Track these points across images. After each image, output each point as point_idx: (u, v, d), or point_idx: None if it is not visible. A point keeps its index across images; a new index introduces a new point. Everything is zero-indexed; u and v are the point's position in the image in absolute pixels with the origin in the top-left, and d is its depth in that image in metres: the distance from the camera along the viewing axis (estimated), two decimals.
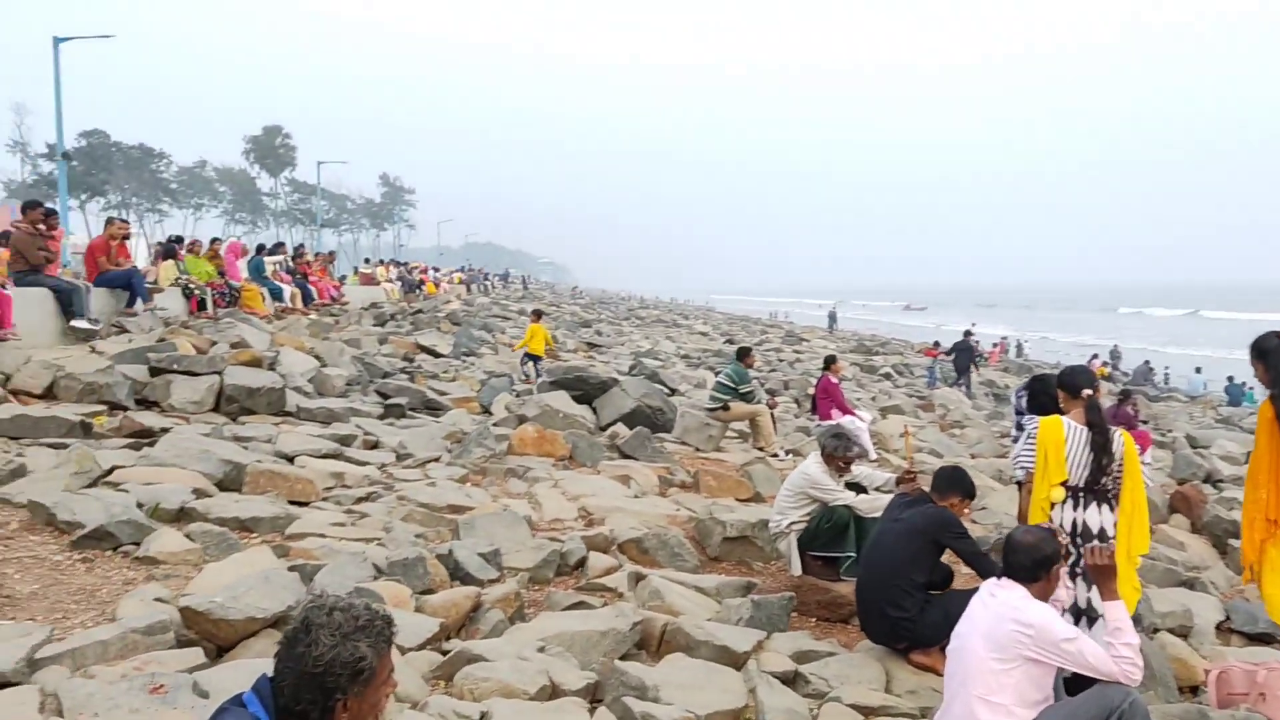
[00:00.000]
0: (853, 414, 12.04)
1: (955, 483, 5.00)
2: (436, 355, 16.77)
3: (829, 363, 12.83)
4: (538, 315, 17.99)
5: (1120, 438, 4.61)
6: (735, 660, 4.66)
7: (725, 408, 11.29)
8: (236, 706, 2.10)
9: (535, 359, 16.04)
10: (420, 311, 24.90)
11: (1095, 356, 36.08)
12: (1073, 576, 4.55)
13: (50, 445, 7.12)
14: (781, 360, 26.55)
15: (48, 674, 3.71)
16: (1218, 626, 6.45)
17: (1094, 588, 4.41)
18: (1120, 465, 4.58)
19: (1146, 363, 34.03)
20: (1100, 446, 4.55)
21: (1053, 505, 4.56)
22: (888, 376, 25.07)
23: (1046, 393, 5.90)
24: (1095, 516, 4.52)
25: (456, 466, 8.32)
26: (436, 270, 46.83)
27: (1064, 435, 4.56)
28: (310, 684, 2.06)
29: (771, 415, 11.61)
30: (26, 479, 6.19)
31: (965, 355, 23.66)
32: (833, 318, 56.38)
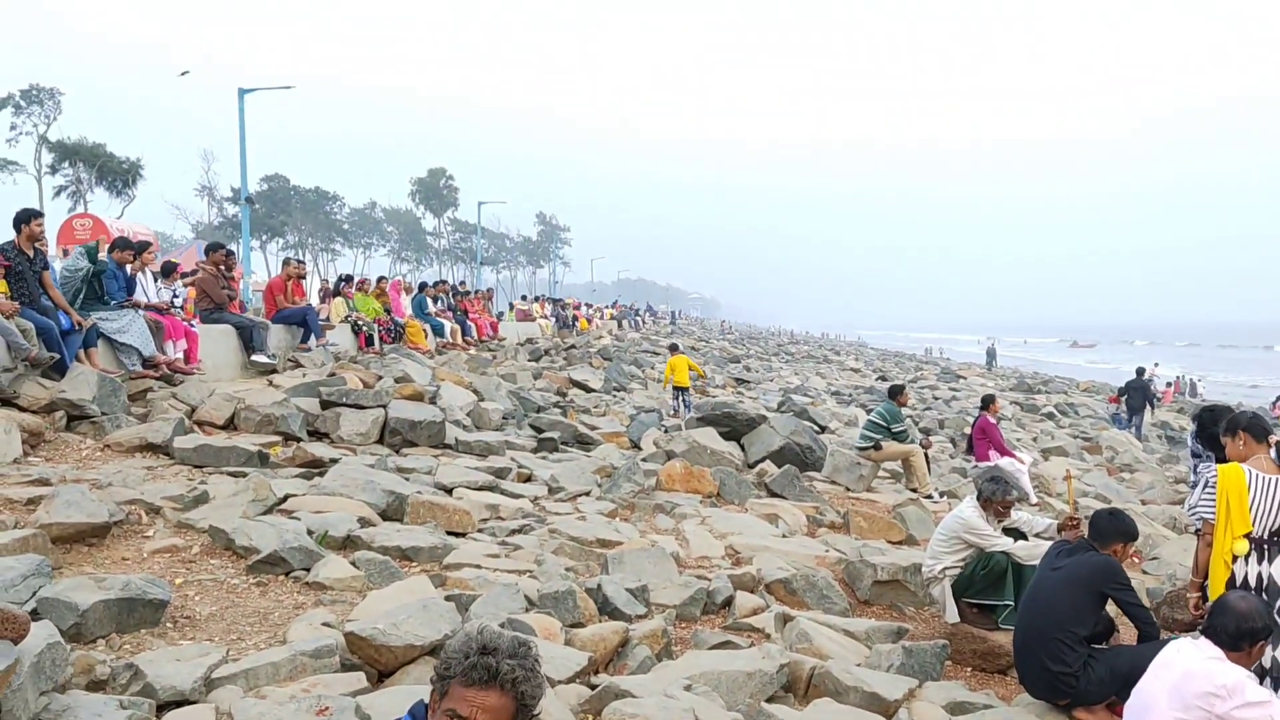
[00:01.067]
0: (1012, 455, 11.61)
1: (1116, 526, 4.77)
2: (588, 390, 17.09)
3: (987, 402, 12.42)
4: (674, 348, 18.18)
5: None
6: (886, 708, 4.54)
7: (877, 447, 11.07)
8: None
9: (683, 391, 16.12)
10: (573, 347, 25.44)
11: (1278, 400, 33.58)
12: None
13: (230, 474, 7.59)
14: (937, 398, 25.85)
15: (223, 693, 3.94)
16: None
17: None
18: None
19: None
20: None
21: (1235, 559, 4.28)
22: (1050, 416, 24.03)
23: (1217, 423, 5.54)
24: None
25: (606, 501, 8.45)
26: (589, 306, 47.71)
27: (1246, 483, 4.28)
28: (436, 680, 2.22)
29: (925, 455, 11.31)
30: (209, 505, 6.62)
31: (1139, 395, 22.43)
32: (991, 354, 54.53)
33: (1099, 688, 4.47)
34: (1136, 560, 8.58)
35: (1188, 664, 3.61)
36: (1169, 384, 34.39)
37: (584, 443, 11.58)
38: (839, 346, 73.62)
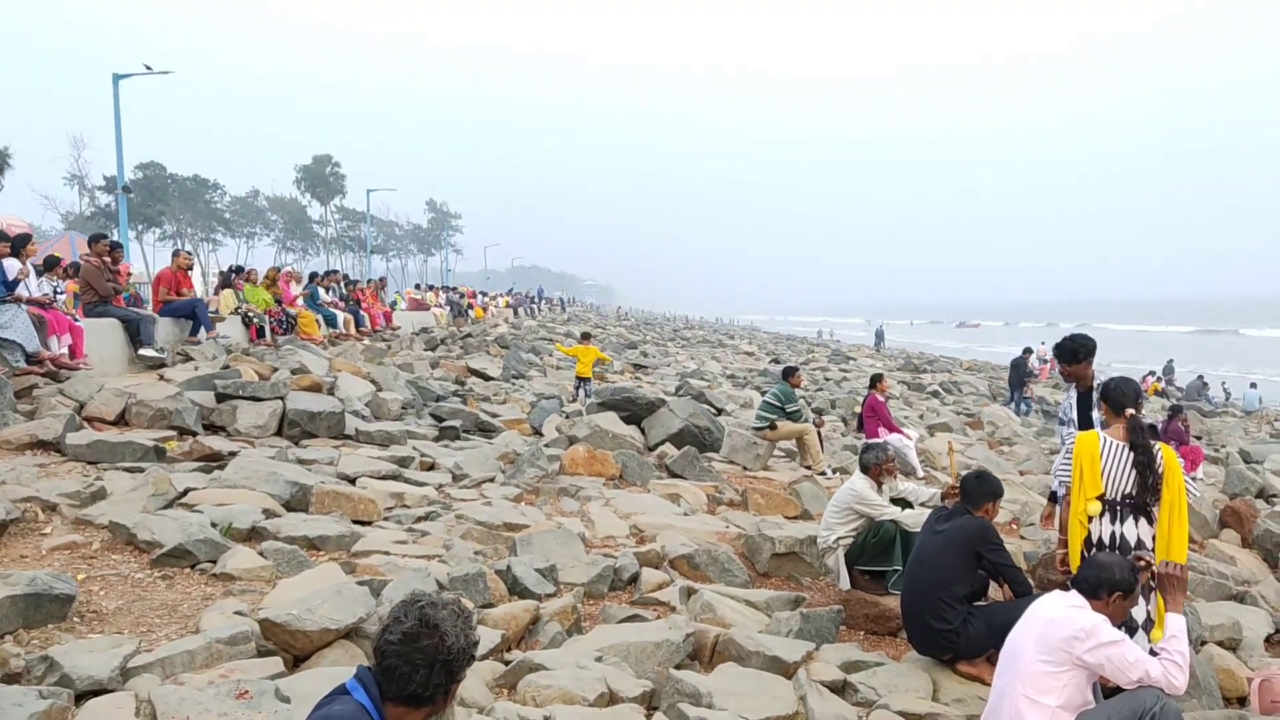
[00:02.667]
0: (899, 432, 12.11)
1: (984, 488, 5.12)
2: (487, 378, 17.10)
3: (875, 381, 12.92)
4: (586, 337, 18.37)
5: (1161, 453, 4.68)
6: (786, 670, 4.81)
7: (772, 427, 11.43)
8: (343, 695, 2.35)
9: (585, 381, 16.30)
10: (469, 336, 25.32)
11: (1151, 373, 35.57)
12: None
13: (126, 469, 7.46)
14: (828, 379, 26.56)
15: (140, 681, 3.96)
16: (1267, 639, 6.43)
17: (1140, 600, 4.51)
18: (1162, 481, 4.65)
19: (1200, 378, 33.50)
20: (1143, 465, 4.60)
21: (1090, 519, 4.64)
22: (936, 394, 24.96)
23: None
24: (1133, 530, 4.59)
25: (511, 486, 8.57)
26: (484, 294, 47.42)
27: (1099, 449, 4.64)
28: (442, 671, 2.40)
29: (818, 434, 11.73)
30: (106, 501, 6.52)
31: (1018, 372, 23.52)
32: (880, 336, 56.18)
33: (978, 642, 4.82)
34: (1015, 527, 9.13)
35: (1051, 612, 3.92)
36: (1045, 361, 36.07)
37: (486, 430, 11.65)
38: (733, 331, 74.75)
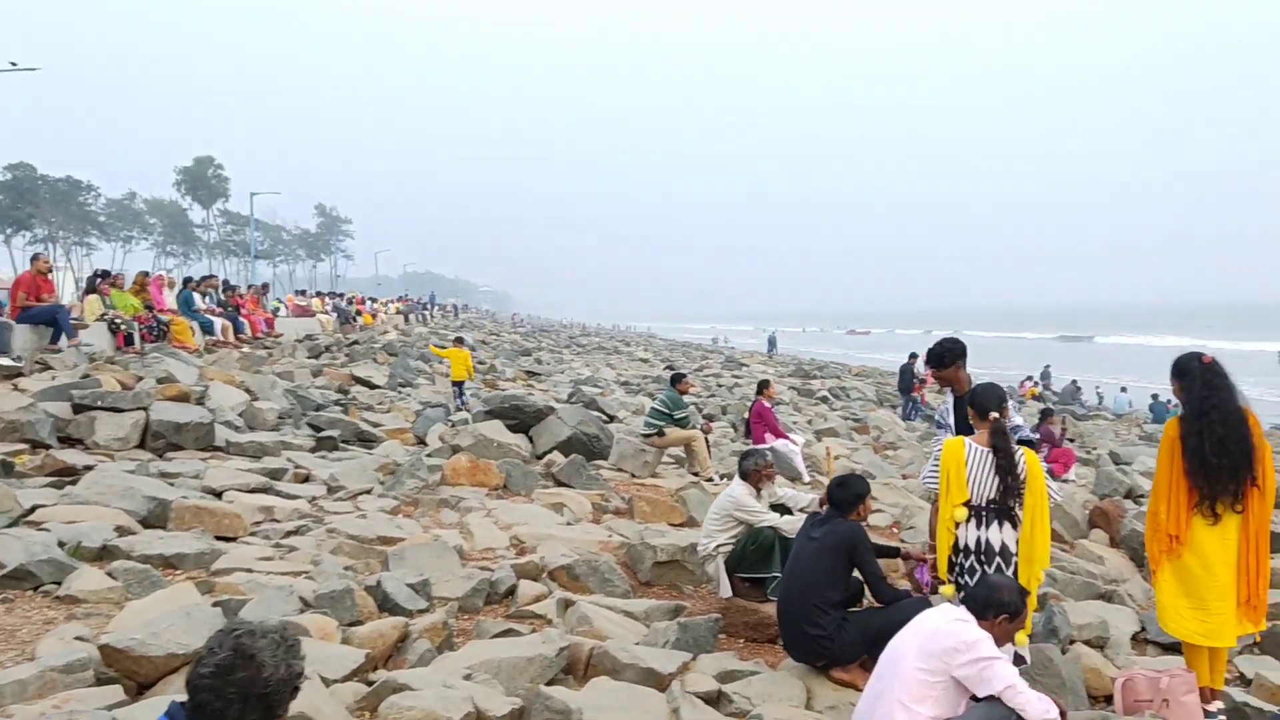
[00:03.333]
0: (786, 437, 12.21)
1: (847, 494, 5.13)
2: (372, 386, 16.67)
3: (762, 387, 13.02)
4: (459, 341, 18.33)
5: (1024, 458, 4.78)
6: (660, 682, 4.73)
7: (660, 433, 11.39)
8: None
9: (461, 385, 16.18)
10: (356, 343, 24.70)
11: (1029, 378, 36.92)
12: (960, 591, 4.67)
13: None
14: (720, 385, 26.77)
15: None
16: (1133, 637, 6.58)
17: None
18: (1024, 485, 4.73)
19: (1074, 382, 34.91)
20: (1005, 468, 4.67)
21: (957, 524, 4.69)
22: (825, 400, 25.39)
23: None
24: (997, 535, 4.65)
25: (388, 498, 8.32)
26: (373, 301, 46.42)
27: (965, 456, 4.70)
28: (259, 705, 2.24)
29: (706, 440, 11.74)
30: None
31: (906, 378, 24.05)
32: (772, 342, 57.05)
33: (851, 648, 4.82)
34: (896, 530, 9.26)
35: (938, 622, 3.94)
36: (1027, 379, 37.62)
37: (366, 440, 11.32)
38: (629, 338, 74.94)
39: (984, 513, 4.67)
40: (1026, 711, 3.68)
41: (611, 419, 15.41)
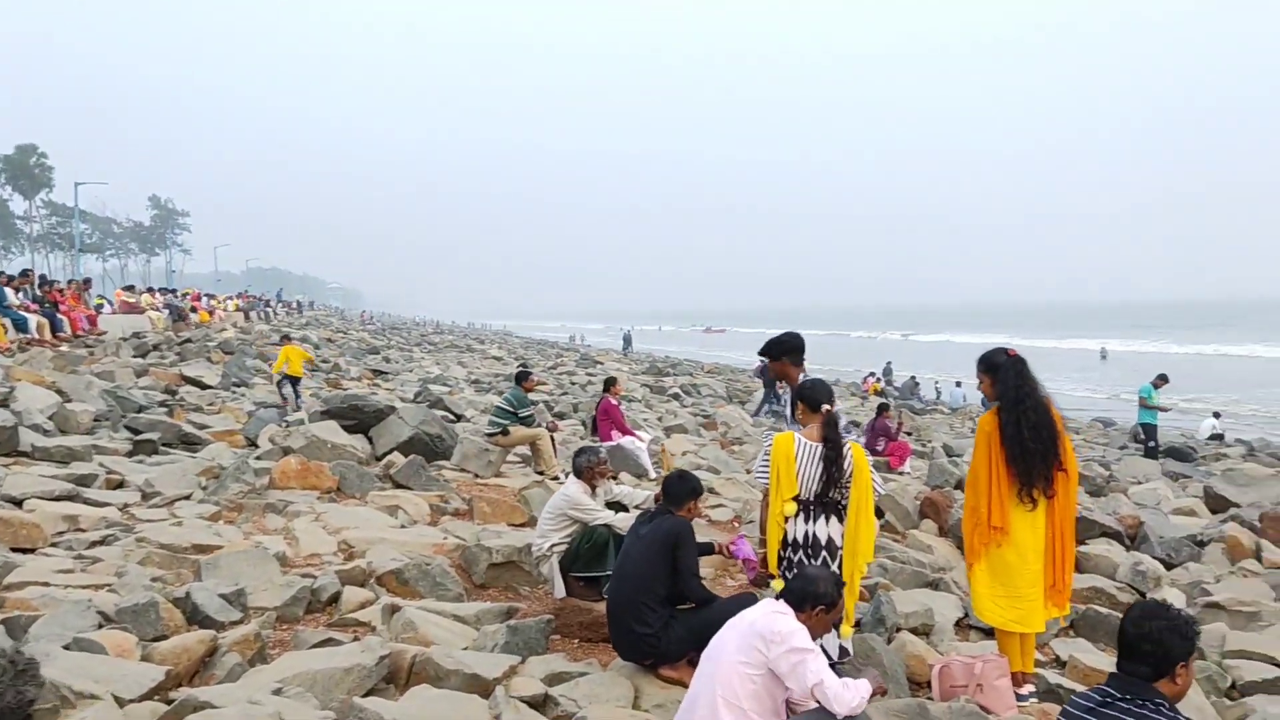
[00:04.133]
0: (632, 434, 12.21)
1: (683, 487, 5.12)
2: (203, 387, 15.86)
3: (609, 384, 12.98)
4: (285, 339, 17.93)
5: (850, 451, 4.84)
6: (484, 687, 4.58)
7: (505, 432, 11.20)
8: None
9: (294, 381, 15.61)
10: (189, 341, 23.49)
11: (872, 374, 38.25)
12: None
13: None
14: (574, 383, 26.69)
15: None
16: (957, 623, 6.80)
17: None
18: (849, 478, 4.79)
19: (913, 378, 36.39)
20: (831, 460, 4.73)
21: (786, 519, 4.71)
22: (676, 397, 25.62)
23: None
24: (824, 528, 4.70)
25: (209, 503, 7.87)
26: (211, 298, 44.33)
27: (794, 451, 4.73)
28: None
29: (552, 439, 11.62)
30: None
31: (767, 374, 24.46)
32: (627, 340, 57.34)
33: (678, 646, 4.79)
34: (736, 525, 9.35)
35: (756, 616, 3.93)
36: (870, 375, 38.65)
37: (190, 443, 10.72)
38: (484, 336, 74.09)
39: (812, 507, 4.70)
40: (835, 706, 3.70)
41: (459, 418, 15.13)
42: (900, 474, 14.28)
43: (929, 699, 5.02)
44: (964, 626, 6.84)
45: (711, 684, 3.84)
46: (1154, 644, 3.02)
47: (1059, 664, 6.09)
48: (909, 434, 20.89)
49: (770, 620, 3.86)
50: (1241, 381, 44.42)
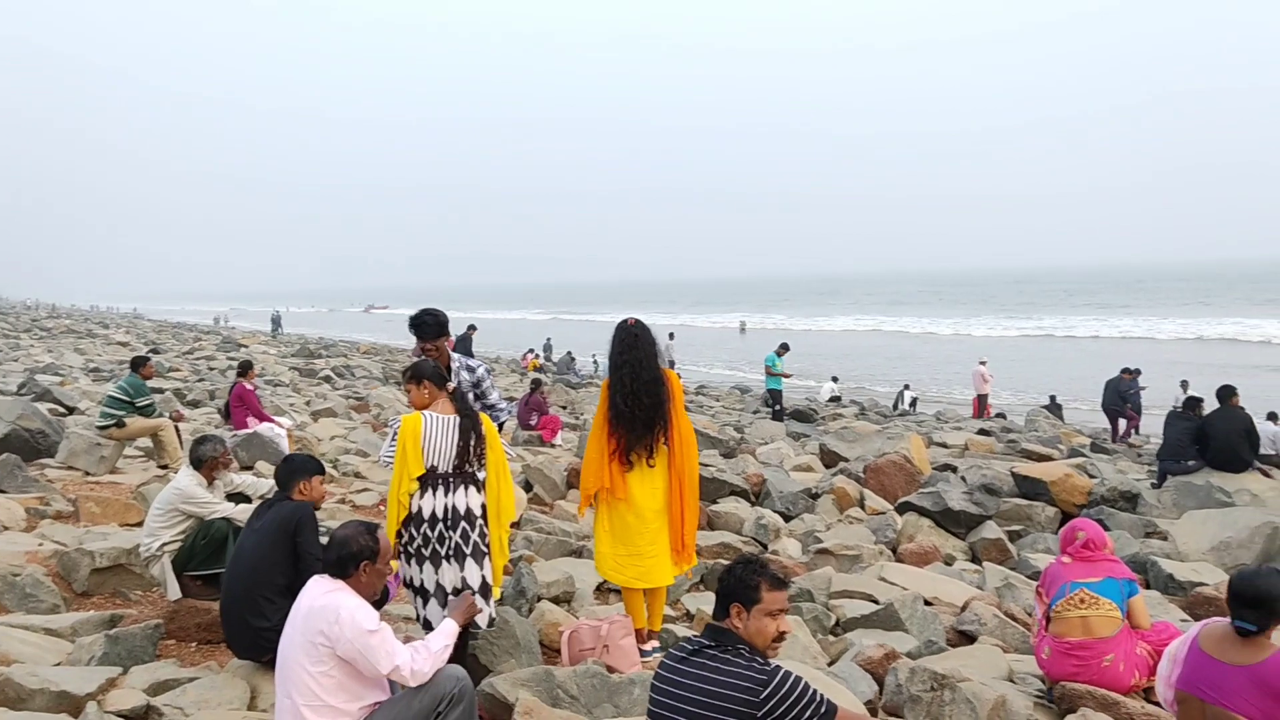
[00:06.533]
0: (271, 421, 11.55)
1: (288, 469, 4.93)
2: None
3: (244, 369, 12.18)
4: None
5: (482, 423, 4.82)
6: (76, 705, 4.14)
7: (120, 424, 10.16)
8: None
9: None
10: None
11: (531, 350, 38.90)
12: (425, 560, 4.66)
13: None
14: (213, 369, 24.85)
15: None
16: (598, 588, 7.02)
17: (442, 570, 4.57)
18: (484, 447, 4.77)
19: (569, 353, 37.34)
20: (466, 431, 4.68)
21: (411, 496, 4.63)
22: (328, 379, 24.61)
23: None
24: (463, 499, 4.65)
25: None
26: None
27: (422, 428, 4.66)
28: None
29: (177, 429, 10.72)
30: None
31: (461, 347, 23.80)
32: (276, 322, 54.32)
33: None
34: (382, 508, 9.13)
35: (311, 600, 3.64)
36: (529, 351, 38.37)
37: None
38: (110, 319, 67.06)
39: (451, 479, 4.65)
40: (414, 683, 3.60)
41: (71, 410, 13.60)
42: (552, 446, 14.63)
43: (555, 666, 5.16)
44: (605, 590, 7.05)
45: (290, 695, 3.53)
46: (721, 588, 3.32)
47: (689, 618, 6.46)
48: (564, 408, 21.49)
49: (328, 601, 3.57)
50: (854, 349, 50.00)
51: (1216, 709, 3.71)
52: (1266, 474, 11.01)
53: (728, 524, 9.16)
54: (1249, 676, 3.67)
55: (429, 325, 5.51)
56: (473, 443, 4.70)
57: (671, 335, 32.50)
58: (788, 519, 9.85)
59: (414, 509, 4.62)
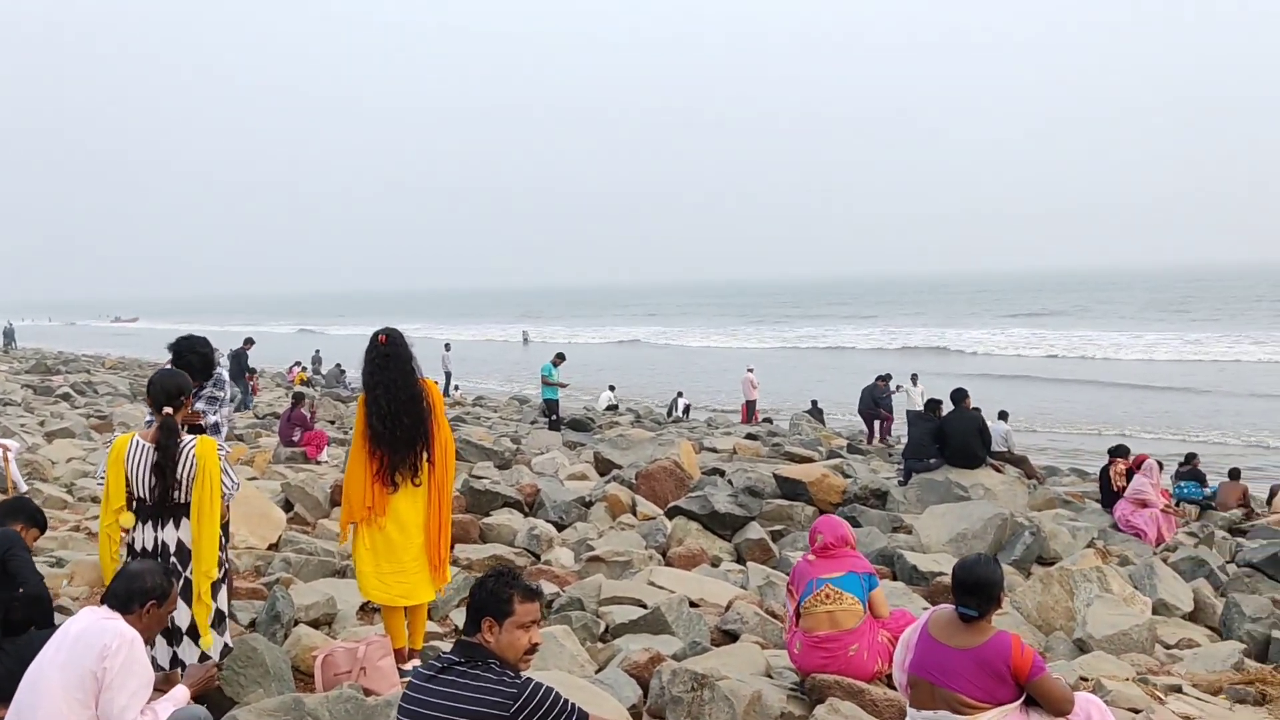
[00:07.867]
0: None
1: (12, 514, 4.49)
2: None
3: None
4: None
5: (194, 450, 4.29)
6: None
7: None
8: None
9: None
10: None
11: (298, 364, 37.20)
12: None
13: None
14: None
15: None
16: (362, 608, 6.69)
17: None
18: (192, 478, 4.29)
19: (338, 365, 35.90)
20: (162, 463, 4.22)
21: (125, 530, 4.25)
22: (66, 397, 22.62)
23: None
24: (172, 534, 4.25)
25: None
26: None
27: (125, 454, 4.25)
28: None
29: None
30: None
31: (237, 364, 22.17)
32: (9, 335, 49.45)
33: (6, 682, 4.12)
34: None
35: (80, 627, 3.43)
36: (296, 364, 36.13)
37: None
38: None
39: (158, 512, 4.27)
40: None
41: None
42: (318, 463, 14.03)
43: (309, 692, 4.90)
44: (369, 610, 6.79)
45: None
46: (473, 601, 3.29)
47: (458, 632, 6.32)
48: (331, 422, 20.65)
49: (100, 631, 3.37)
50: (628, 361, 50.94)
51: (944, 691, 3.98)
52: (998, 469, 12.05)
53: (500, 536, 9.06)
54: (972, 658, 3.96)
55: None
56: (170, 473, 4.22)
57: (447, 346, 32.02)
58: (561, 528, 9.85)
59: (133, 542, 4.28)
